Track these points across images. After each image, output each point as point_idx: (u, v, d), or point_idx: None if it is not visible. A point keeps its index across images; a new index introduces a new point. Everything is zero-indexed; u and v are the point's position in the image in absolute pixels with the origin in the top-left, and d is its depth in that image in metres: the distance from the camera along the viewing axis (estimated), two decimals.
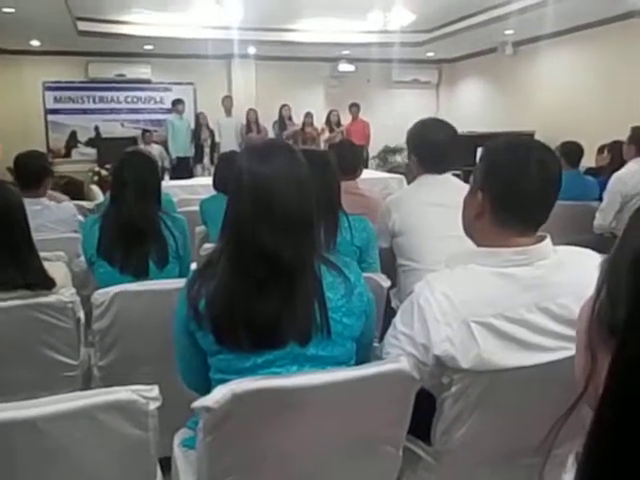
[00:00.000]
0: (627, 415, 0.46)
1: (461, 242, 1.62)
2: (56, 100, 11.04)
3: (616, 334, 0.48)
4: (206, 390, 1.42)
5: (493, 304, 1.41)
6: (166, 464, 1.76)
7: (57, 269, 2.28)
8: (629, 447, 0.46)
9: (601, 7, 7.73)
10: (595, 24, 8.57)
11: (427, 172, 2.59)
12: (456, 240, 1.67)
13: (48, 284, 2.10)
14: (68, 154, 11.16)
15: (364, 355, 1.58)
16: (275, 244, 1.37)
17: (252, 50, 10.80)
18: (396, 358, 1.42)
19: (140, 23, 9.12)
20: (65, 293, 2.17)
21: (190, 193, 5.99)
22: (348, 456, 1.48)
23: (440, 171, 2.56)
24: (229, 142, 9.99)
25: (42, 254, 2.45)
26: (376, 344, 1.78)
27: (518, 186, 1.46)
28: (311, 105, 10.98)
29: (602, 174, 5.01)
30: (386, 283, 2.25)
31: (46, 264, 2.20)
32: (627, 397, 0.46)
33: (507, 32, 9.36)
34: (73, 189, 7.82)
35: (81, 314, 2.62)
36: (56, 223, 3.51)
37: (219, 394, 1.26)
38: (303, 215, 1.42)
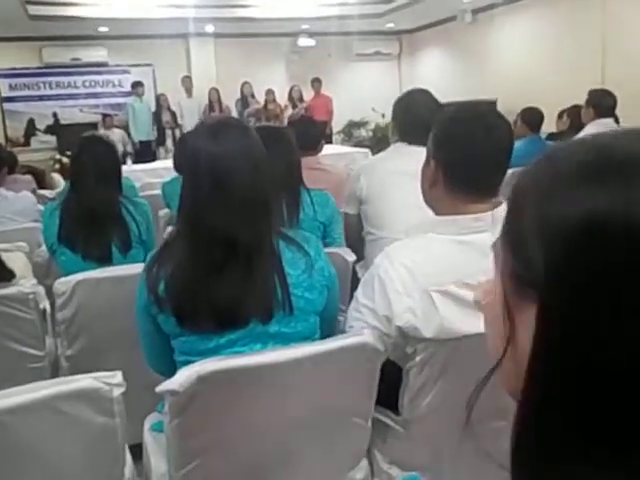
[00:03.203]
0: (559, 370, 0.47)
1: (427, 212, 1.62)
2: (11, 88, 10.74)
3: (535, 295, 0.49)
4: (171, 373, 1.41)
5: (453, 272, 1.42)
6: (139, 451, 1.76)
7: (16, 259, 2.23)
8: (563, 401, 0.47)
9: None
10: None
11: (403, 141, 2.58)
12: (423, 210, 1.67)
13: (6, 275, 2.06)
14: (27, 143, 10.88)
15: (328, 329, 1.59)
16: (230, 224, 1.36)
17: (210, 28, 10.62)
18: (359, 331, 1.43)
19: (93, 4, 8.88)
20: (26, 284, 2.14)
21: (153, 177, 5.93)
22: (317, 431, 1.49)
23: (417, 143, 2.54)
24: (191, 123, 9.80)
25: (1, 245, 2.41)
26: (342, 318, 1.79)
27: (466, 152, 1.46)
28: (273, 81, 10.88)
29: (563, 138, 5.05)
30: (351, 257, 2.25)
31: (4, 255, 2.15)
32: (563, 349, 0.47)
33: (466, 0, 9.36)
34: (34, 179, 7.65)
35: (46, 304, 2.58)
36: (15, 214, 3.43)
37: (183, 376, 1.25)
38: (258, 194, 1.41)
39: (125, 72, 11.23)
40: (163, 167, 6.57)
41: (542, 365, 0.49)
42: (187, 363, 1.32)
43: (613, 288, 0.44)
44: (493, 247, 0.57)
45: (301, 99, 10.64)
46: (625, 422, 0.45)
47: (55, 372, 2.34)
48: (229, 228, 1.36)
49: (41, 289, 2.35)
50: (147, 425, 1.76)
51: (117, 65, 11.21)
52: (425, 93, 2.68)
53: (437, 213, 1.56)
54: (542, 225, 0.48)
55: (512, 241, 0.53)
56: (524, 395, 0.50)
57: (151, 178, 5.76)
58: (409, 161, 2.44)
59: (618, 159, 0.47)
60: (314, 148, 3.08)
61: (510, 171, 1.55)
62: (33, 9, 8.50)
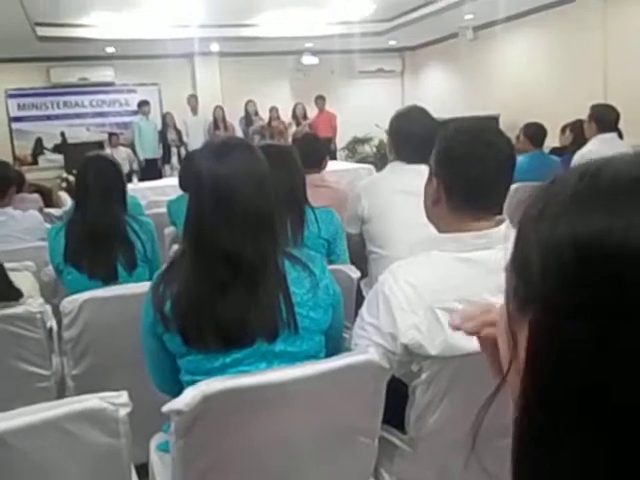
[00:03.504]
0: (548, 385, 0.48)
1: (430, 230, 1.63)
2: (20, 107, 10.86)
3: (530, 314, 0.51)
4: (177, 392, 1.41)
5: (457, 289, 1.42)
6: (145, 471, 1.76)
7: (23, 279, 2.25)
8: (551, 417, 0.49)
9: None
10: (552, 5, 8.66)
11: (400, 159, 2.60)
12: (425, 228, 1.68)
13: (14, 295, 2.07)
14: (35, 161, 10.98)
15: (334, 347, 1.59)
16: (236, 243, 1.37)
17: (215, 47, 10.72)
18: (364, 349, 1.42)
19: (100, 25, 8.99)
20: (33, 303, 2.15)
21: (159, 194, 5.97)
22: (324, 449, 1.48)
23: (413, 161, 2.55)
24: (197, 141, 9.90)
25: (9, 264, 2.42)
26: (347, 335, 1.79)
27: (466, 169, 1.48)
28: (277, 99, 10.95)
29: (566, 153, 5.08)
30: (355, 274, 2.26)
31: (12, 275, 2.17)
32: (546, 365, 0.48)
33: (467, 17, 9.42)
34: (41, 197, 7.70)
35: (52, 323, 2.59)
36: (22, 232, 3.46)
37: (189, 396, 1.25)
38: (263, 213, 1.42)
39: (131, 91, 11.33)
40: (169, 185, 6.60)
41: (529, 380, 0.50)
42: (193, 383, 1.32)
43: (594, 315, 0.45)
44: (505, 270, 0.59)
45: (305, 116, 10.70)
46: (611, 443, 0.46)
47: (61, 392, 2.35)
48: (234, 247, 1.37)
49: (48, 308, 2.36)
50: (153, 445, 1.75)
51: (124, 84, 11.32)
52: (421, 110, 2.68)
53: (440, 230, 1.56)
54: (539, 249, 0.50)
55: (518, 264, 0.55)
56: (517, 408, 0.52)
57: (157, 196, 5.79)
58: (408, 179, 2.46)
59: (603, 186, 0.49)
60: (318, 165, 3.09)
61: (514, 186, 1.55)
62: (42, 30, 8.62)
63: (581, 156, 4.28)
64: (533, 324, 0.50)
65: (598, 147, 4.27)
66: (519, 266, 0.54)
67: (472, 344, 1.39)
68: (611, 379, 0.45)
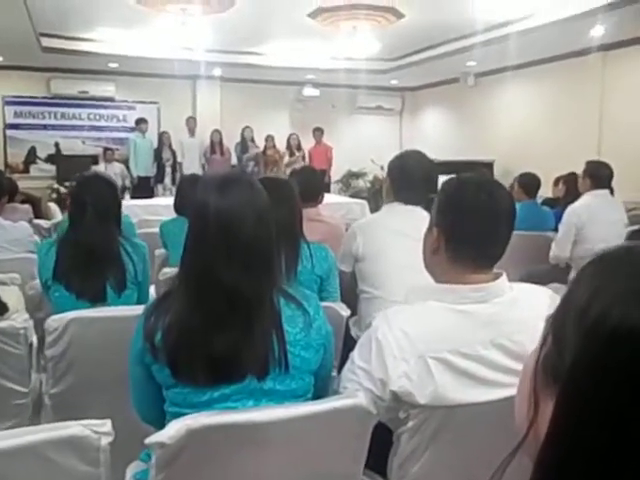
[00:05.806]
0: (567, 461, 0.48)
1: (423, 274, 1.63)
2: (16, 115, 10.84)
3: (559, 382, 0.51)
4: (160, 422, 1.39)
5: (450, 340, 1.43)
6: None
7: (10, 294, 2.22)
8: None
9: (559, 43, 7.99)
10: (553, 59, 8.87)
11: (398, 200, 2.61)
12: (418, 272, 1.68)
13: (0, 310, 2.04)
14: (26, 170, 10.92)
15: (322, 388, 1.58)
16: (234, 278, 1.36)
17: (218, 72, 10.81)
18: (353, 393, 1.41)
19: (105, 41, 9.06)
20: (18, 319, 2.12)
21: (151, 213, 5.93)
22: None
23: (411, 202, 2.57)
24: (192, 163, 9.98)
25: None
26: (335, 374, 1.78)
27: (467, 221, 1.49)
28: (276, 128, 11.05)
29: (558, 205, 5.14)
30: (345, 312, 2.25)
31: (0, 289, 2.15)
32: (567, 441, 0.49)
33: (469, 63, 9.59)
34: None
35: (34, 339, 2.55)
36: (11, 243, 3.43)
37: (173, 429, 1.23)
38: (262, 248, 1.42)
39: (131, 108, 11.36)
40: (161, 204, 6.53)
41: (550, 450, 0.51)
42: (178, 415, 1.31)
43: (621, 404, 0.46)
44: (543, 331, 0.58)
45: (299, 147, 10.80)
46: None
47: (37, 410, 2.30)
48: (232, 281, 1.36)
49: (31, 323, 2.33)
50: (129, 474, 1.71)
51: (123, 101, 11.36)
52: (420, 153, 2.73)
53: (437, 280, 1.57)
54: (578, 327, 0.51)
55: (556, 333, 0.55)
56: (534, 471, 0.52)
57: (149, 215, 5.75)
58: (404, 220, 2.48)
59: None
60: (315, 200, 3.11)
61: None
62: (47, 41, 8.66)
63: (573, 210, 4.35)
64: (563, 398, 0.50)
65: (590, 202, 4.33)
66: (557, 336, 0.55)
67: (460, 396, 1.40)
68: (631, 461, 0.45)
